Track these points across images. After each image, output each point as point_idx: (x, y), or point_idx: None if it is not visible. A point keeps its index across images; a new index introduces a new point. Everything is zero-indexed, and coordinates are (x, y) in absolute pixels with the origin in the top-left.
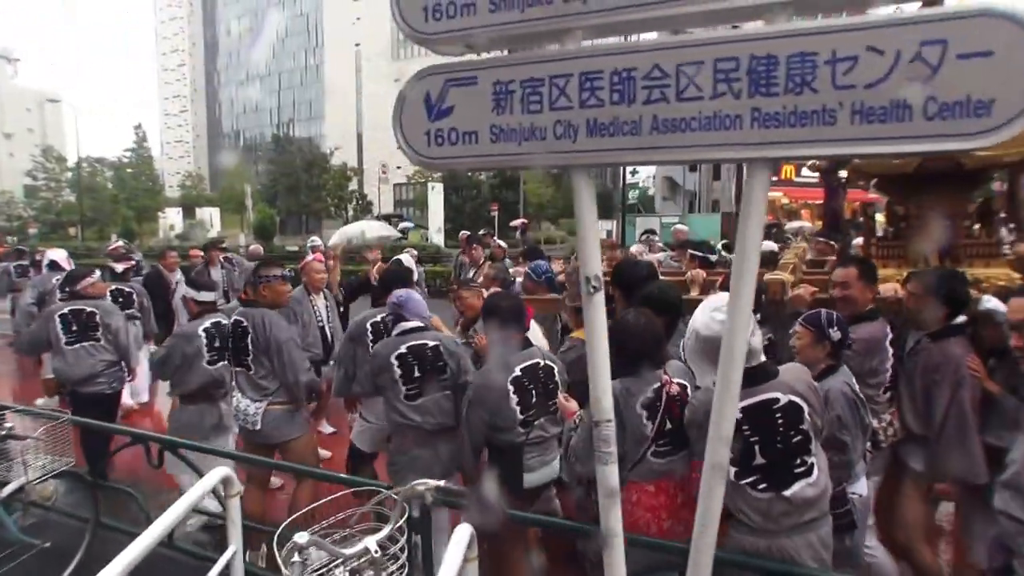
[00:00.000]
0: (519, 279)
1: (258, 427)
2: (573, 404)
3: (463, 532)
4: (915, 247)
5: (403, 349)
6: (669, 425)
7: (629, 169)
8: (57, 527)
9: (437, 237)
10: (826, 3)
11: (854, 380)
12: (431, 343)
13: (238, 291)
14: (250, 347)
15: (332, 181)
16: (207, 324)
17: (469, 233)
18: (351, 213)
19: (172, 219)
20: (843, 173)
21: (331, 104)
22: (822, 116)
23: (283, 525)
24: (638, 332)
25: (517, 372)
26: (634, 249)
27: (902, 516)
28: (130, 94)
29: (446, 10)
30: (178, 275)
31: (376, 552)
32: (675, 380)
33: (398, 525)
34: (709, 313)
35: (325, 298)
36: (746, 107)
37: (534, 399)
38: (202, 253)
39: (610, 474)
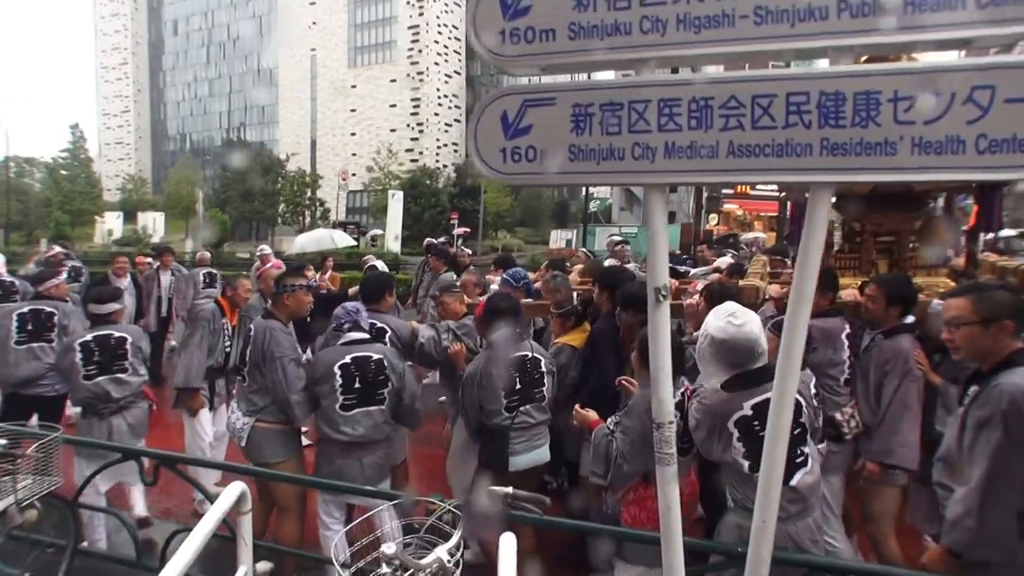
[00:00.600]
0: (494, 286)
1: (243, 443)
2: (592, 414)
3: (510, 539)
4: (926, 253)
5: (347, 359)
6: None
7: None
8: (32, 553)
9: (395, 245)
10: (886, 48)
11: (813, 381)
12: (375, 356)
13: (186, 299)
14: (247, 358)
15: (289, 187)
16: (87, 337)
17: (432, 240)
18: (308, 220)
19: (111, 223)
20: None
21: (284, 109)
22: (884, 147)
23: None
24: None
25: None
26: (607, 263)
27: (868, 508)
28: (67, 93)
29: (524, 34)
30: (127, 281)
31: (448, 562)
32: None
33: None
34: (725, 318)
35: None
36: (816, 136)
37: (518, 387)
38: (149, 259)
39: (671, 474)
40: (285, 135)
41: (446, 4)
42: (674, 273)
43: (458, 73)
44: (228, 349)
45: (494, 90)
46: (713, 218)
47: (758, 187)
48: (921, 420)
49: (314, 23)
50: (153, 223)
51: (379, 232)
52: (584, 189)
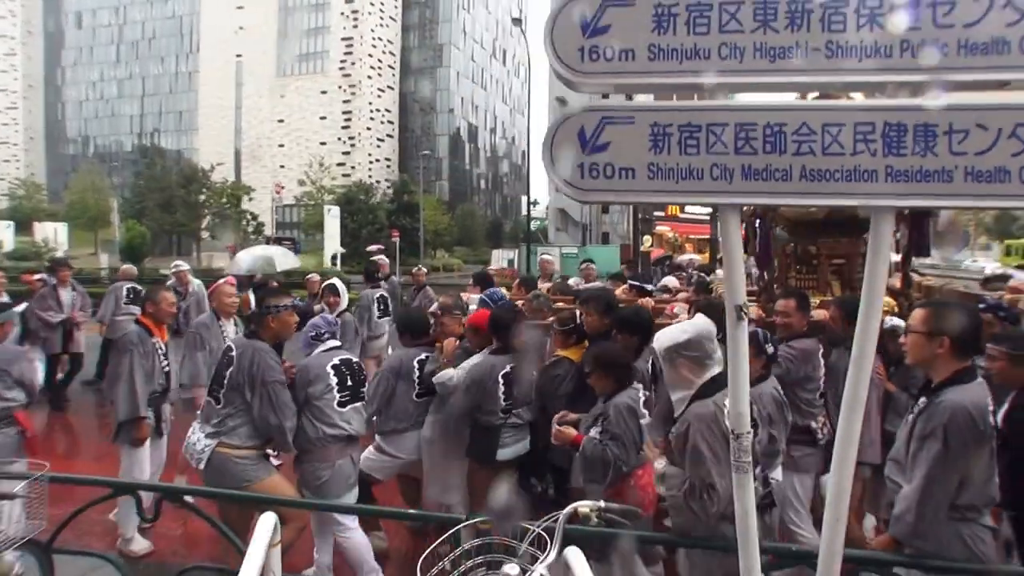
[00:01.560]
0: (472, 305)
1: (200, 466)
2: (571, 431)
3: (577, 553)
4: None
5: (336, 361)
6: None
7: (534, 199)
8: None
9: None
10: (939, 85)
11: (780, 386)
12: (354, 359)
13: (104, 314)
14: (226, 379)
15: (215, 199)
16: None
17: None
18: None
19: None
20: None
21: (205, 116)
22: (941, 175)
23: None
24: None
25: (507, 369)
26: (572, 281)
27: None
28: None
29: (604, 53)
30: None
31: None
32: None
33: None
34: (674, 329)
35: (236, 324)
36: (880, 164)
37: (514, 392)
38: (42, 276)
39: (747, 481)
40: (205, 144)
41: (381, 18)
42: (642, 291)
43: (391, 88)
44: (166, 369)
45: (569, 108)
46: (647, 240)
47: (687, 210)
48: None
49: (241, 28)
50: (54, 234)
51: (341, 250)
52: (521, 210)
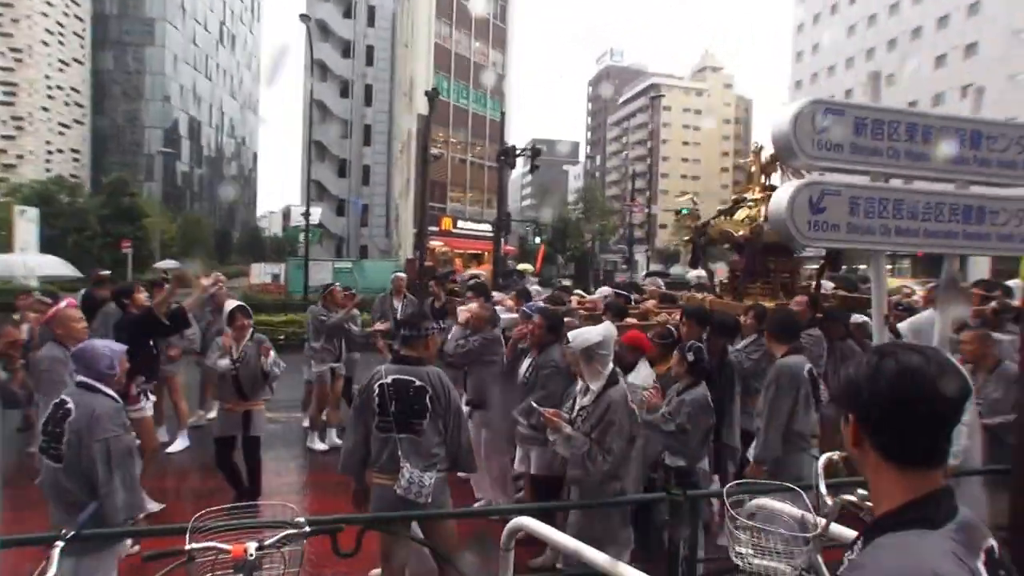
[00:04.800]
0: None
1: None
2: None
3: None
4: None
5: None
6: None
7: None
8: None
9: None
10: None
11: (708, 393)
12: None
13: None
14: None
15: None
16: None
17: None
18: None
19: None
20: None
21: None
22: (988, 237)
23: None
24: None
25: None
26: (498, 296)
27: None
28: None
29: (825, 145)
30: None
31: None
32: None
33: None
34: (585, 334)
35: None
36: (960, 228)
37: None
38: None
39: None
40: None
41: None
42: (628, 300)
43: (79, 62)
44: None
45: (801, 181)
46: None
47: (459, 225)
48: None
49: None
50: None
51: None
52: (255, 219)
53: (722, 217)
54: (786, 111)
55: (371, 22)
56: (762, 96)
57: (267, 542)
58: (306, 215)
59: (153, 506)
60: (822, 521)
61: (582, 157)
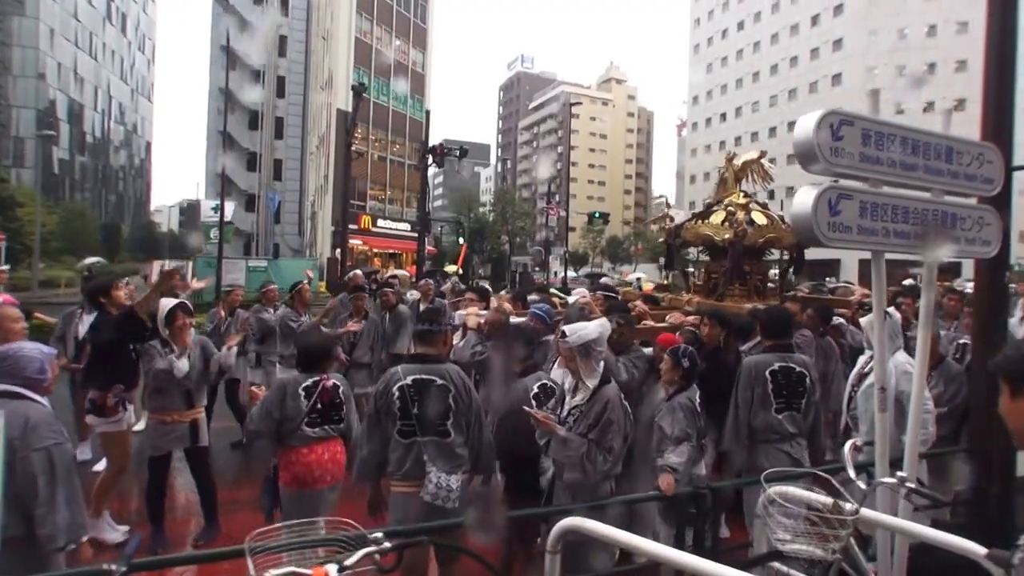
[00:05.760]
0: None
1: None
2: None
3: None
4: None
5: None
6: None
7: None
8: None
9: None
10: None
11: (697, 396)
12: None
13: None
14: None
15: None
16: None
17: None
18: None
19: None
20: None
21: None
22: (958, 240)
23: None
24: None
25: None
26: (409, 295)
27: None
28: None
29: (843, 153)
30: None
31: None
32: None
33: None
34: (585, 329)
35: None
36: (943, 235)
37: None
38: None
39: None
40: None
41: None
42: (614, 299)
43: None
44: None
45: (823, 184)
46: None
47: (379, 224)
48: None
49: None
50: None
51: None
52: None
53: (696, 221)
54: (809, 119)
55: (284, 11)
56: (662, 109)
57: (347, 562)
58: (220, 209)
59: (116, 536)
60: (853, 506)
61: (493, 159)
